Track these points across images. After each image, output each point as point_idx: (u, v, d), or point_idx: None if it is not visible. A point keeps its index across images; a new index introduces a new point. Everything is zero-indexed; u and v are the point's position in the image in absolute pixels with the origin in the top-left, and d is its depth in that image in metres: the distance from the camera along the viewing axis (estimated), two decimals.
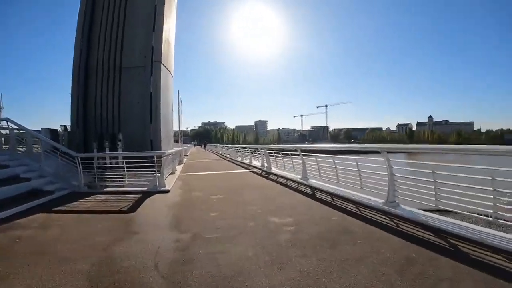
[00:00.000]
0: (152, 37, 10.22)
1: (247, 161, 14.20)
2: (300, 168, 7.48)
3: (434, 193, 3.52)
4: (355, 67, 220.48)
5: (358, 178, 4.96)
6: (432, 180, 3.55)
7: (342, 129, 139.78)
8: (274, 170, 9.53)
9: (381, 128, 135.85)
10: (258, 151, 12.28)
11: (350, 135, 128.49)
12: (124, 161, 7.19)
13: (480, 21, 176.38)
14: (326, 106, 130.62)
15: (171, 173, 9.66)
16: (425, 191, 3.69)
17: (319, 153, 6.90)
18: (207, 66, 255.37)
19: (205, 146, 49.01)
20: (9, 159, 6.72)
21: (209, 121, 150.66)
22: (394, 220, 3.62)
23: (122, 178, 6.93)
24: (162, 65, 10.41)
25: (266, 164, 10.36)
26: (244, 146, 16.46)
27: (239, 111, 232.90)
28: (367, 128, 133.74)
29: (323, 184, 6.19)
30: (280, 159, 9.48)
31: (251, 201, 5.15)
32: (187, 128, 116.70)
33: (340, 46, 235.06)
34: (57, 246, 3.11)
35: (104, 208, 5.04)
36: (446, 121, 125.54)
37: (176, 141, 22.00)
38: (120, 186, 6.81)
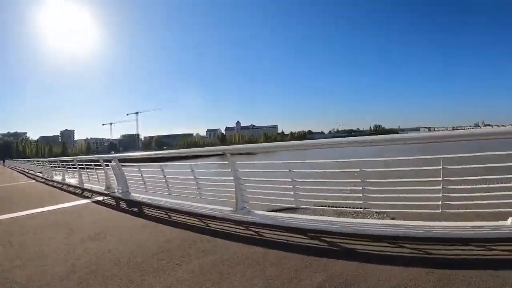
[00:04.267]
0: None
1: (73, 182, 9.05)
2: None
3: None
4: (168, 73, 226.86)
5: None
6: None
7: (153, 136, 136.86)
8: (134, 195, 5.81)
9: (192, 134, 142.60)
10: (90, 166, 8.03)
11: (161, 142, 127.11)
12: None
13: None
14: (137, 113, 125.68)
15: None
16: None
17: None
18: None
19: (3, 163, 42.03)
20: None
21: (8, 132, 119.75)
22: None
23: None
24: None
25: (118, 185, 6.23)
26: (66, 159, 10.59)
27: (43, 119, 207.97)
28: (179, 135, 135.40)
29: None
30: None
31: None
32: None
33: (152, 52, 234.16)
34: None
35: None
36: (253, 126, 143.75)
37: None
38: None
